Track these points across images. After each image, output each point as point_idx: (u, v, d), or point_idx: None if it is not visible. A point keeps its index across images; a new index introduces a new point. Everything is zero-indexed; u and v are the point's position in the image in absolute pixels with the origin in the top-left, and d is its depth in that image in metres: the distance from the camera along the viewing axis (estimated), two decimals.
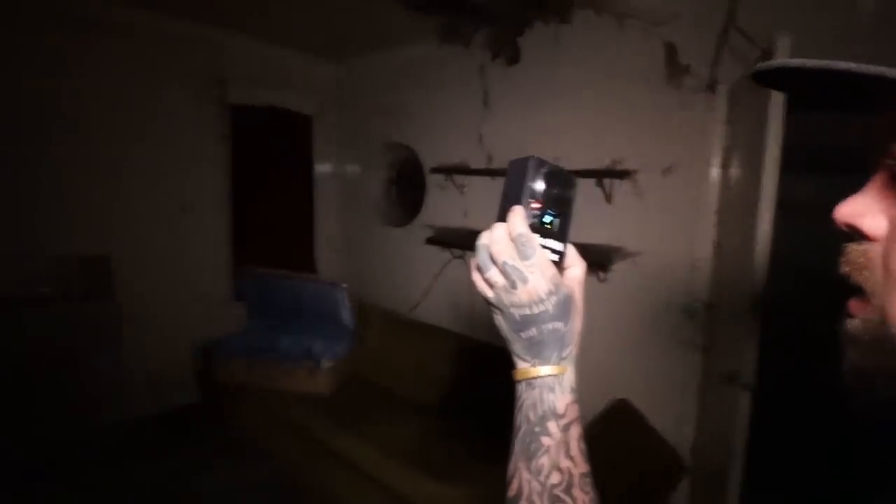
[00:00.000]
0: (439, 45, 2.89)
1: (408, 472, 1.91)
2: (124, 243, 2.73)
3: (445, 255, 2.96)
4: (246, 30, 3.02)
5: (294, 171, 3.55)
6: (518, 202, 0.49)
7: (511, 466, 0.50)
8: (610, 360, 2.26)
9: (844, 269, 0.33)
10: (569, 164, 2.38)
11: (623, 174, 2.16)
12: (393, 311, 3.05)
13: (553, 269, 0.49)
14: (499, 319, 0.53)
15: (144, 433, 2.75)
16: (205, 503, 2.31)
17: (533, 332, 0.50)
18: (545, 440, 0.48)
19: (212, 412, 2.91)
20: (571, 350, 0.52)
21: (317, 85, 3.58)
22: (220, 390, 2.80)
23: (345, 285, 2.69)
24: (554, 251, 0.51)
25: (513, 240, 0.49)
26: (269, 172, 3.38)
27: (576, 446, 0.49)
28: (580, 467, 0.49)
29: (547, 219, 0.50)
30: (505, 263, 0.48)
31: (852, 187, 0.33)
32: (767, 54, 1.51)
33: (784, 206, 1.48)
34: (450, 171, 2.88)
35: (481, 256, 0.51)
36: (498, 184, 2.63)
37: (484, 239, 0.51)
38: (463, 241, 2.83)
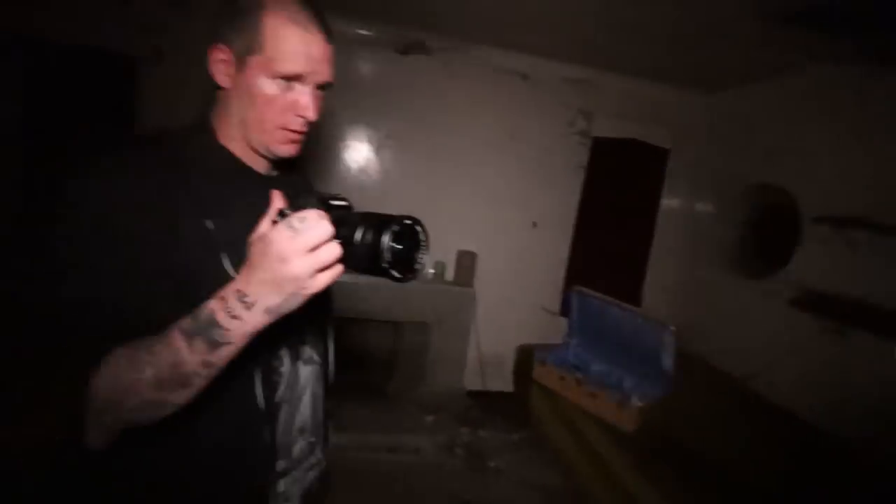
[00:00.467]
0: (858, 69, 2.35)
1: None
2: (487, 245, 3.34)
3: (815, 324, 2.39)
4: (616, 68, 3.22)
5: (640, 203, 3.56)
6: None
7: None
8: None
9: None
10: None
11: None
12: (724, 370, 2.68)
13: None
14: None
15: (468, 403, 3.31)
16: (499, 483, 2.62)
17: None
18: None
19: (520, 406, 3.25)
20: None
21: (679, 118, 3.49)
22: (530, 389, 3.09)
23: (672, 328, 2.52)
24: None
25: None
26: (616, 201, 3.49)
27: None
28: None
29: None
30: None
31: None
32: None
33: None
34: (845, 223, 2.31)
35: None
36: None
37: None
38: (850, 313, 2.23)
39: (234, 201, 0.71)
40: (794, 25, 2.04)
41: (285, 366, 0.80)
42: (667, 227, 3.58)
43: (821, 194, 2.51)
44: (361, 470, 2.43)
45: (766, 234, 3.06)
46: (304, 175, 0.97)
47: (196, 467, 0.71)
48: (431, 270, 3.25)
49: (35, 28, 2.59)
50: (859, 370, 2.19)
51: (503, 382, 3.47)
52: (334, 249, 0.55)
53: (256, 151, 0.77)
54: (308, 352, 0.86)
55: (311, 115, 0.73)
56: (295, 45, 0.70)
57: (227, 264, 0.67)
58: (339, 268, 0.57)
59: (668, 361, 2.57)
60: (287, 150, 0.76)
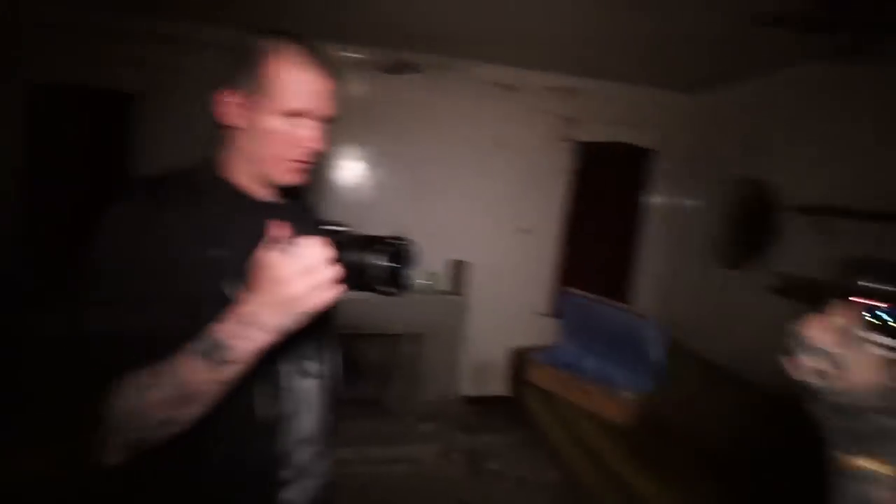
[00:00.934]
0: (829, 65, 2.43)
1: None
2: (478, 253, 3.39)
3: (797, 309, 2.43)
4: (598, 74, 3.31)
5: (626, 203, 3.63)
6: (845, 296, 0.51)
7: None
8: None
9: None
10: None
11: None
12: (709, 358, 2.72)
13: (882, 362, 0.48)
14: (814, 406, 0.55)
15: (465, 409, 3.33)
16: (499, 486, 2.63)
17: (856, 423, 0.50)
18: None
19: (517, 409, 3.27)
20: None
21: (663, 119, 3.57)
22: (526, 391, 3.12)
23: (656, 321, 2.58)
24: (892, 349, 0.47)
25: (835, 329, 0.51)
26: (602, 202, 3.56)
27: None
28: None
29: (887, 318, 0.48)
30: (819, 348, 0.52)
31: None
32: None
33: None
34: (820, 211, 2.37)
35: (801, 344, 0.54)
36: (891, 231, 2.02)
37: (805, 327, 0.55)
38: (827, 298, 2.27)
39: (237, 230, 0.77)
40: (770, 26, 2.12)
41: (286, 379, 0.84)
42: (654, 225, 3.64)
43: (798, 185, 2.57)
44: (362, 483, 2.45)
45: (749, 226, 3.12)
46: (305, 201, 1.02)
47: (203, 477, 0.77)
48: (425, 282, 3.29)
49: (31, 68, 2.70)
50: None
51: (498, 386, 3.49)
52: (330, 270, 0.61)
53: (265, 184, 0.84)
54: (310, 366, 0.90)
55: (318, 145, 0.81)
56: (297, 85, 0.77)
57: (229, 290, 0.72)
58: (338, 287, 0.62)
59: (654, 353, 2.62)
60: (293, 178, 0.83)
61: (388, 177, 3.25)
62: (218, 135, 0.84)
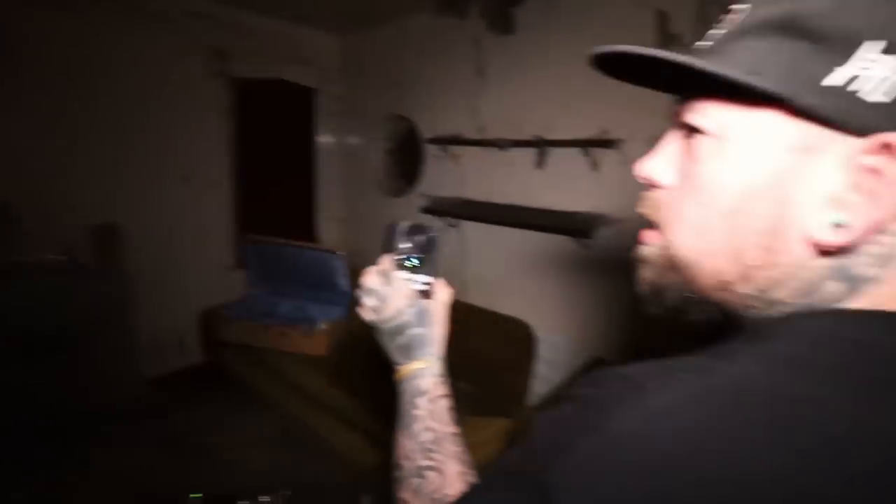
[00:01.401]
0: (435, 17, 2.91)
1: (389, 422, 2.04)
2: (132, 213, 2.84)
3: (442, 223, 3.04)
4: (249, 4, 3.06)
5: (297, 143, 3.63)
6: (388, 252, 0.69)
7: (396, 443, 0.63)
8: (594, 321, 2.35)
9: (641, 210, 0.43)
10: (558, 133, 2.44)
11: (609, 143, 2.20)
12: None
13: (410, 291, 0.66)
14: (379, 338, 0.70)
15: (157, 392, 2.92)
16: (218, 456, 2.48)
17: (401, 338, 0.66)
18: (416, 412, 0.62)
19: (217, 373, 3.07)
20: (434, 348, 0.67)
21: (320, 58, 3.63)
22: (224, 352, 2.94)
23: (341, 253, 2.79)
24: (422, 283, 0.68)
25: (379, 274, 0.68)
26: (273, 144, 3.46)
27: (443, 413, 0.63)
28: (448, 428, 0.62)
29: (411, 262, 0.68)
30: (371, 289, 0.67)
31: None
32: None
33: None
34: (445, 141, 2.94)
35: (361, 290, 0.70)
36: (491, 154, 2.71)
37: (365, 282, 0.69)
38: (458, 210, 2.91)
39: None
40: None
41: None
42: (327, 163, 3.79)
43: (430, 120, 3.10)
44: None
45: (404, 159, 3.62)
46: None
47: None
48: (62, 257, 2.57)
49: None
50: (472, 251, 2.94)
51: (191, 357, 3.17)
52: None
53: None
54: None
55: None
56: None
57: None
58: None
59: (343, 283, 2.85)
60: None
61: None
62: None
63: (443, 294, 0.72)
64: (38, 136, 2.52)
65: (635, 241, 0.46)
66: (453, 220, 2.99)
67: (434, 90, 3.07)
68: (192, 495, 1.19)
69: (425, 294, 0.68)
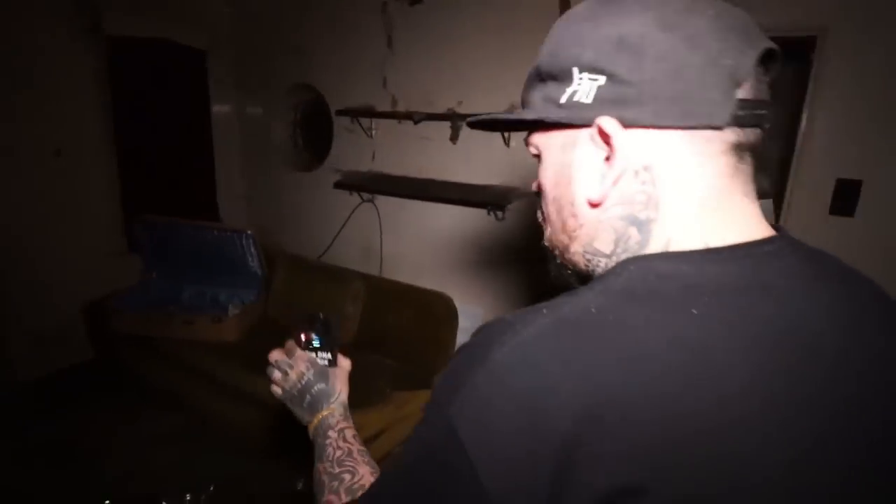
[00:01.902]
0: None
1: None
2: None
3: (354, 199, 2.96)
4: None
5: (189, 112, 3.29)
6: (296, 336, 0.81)
7: (314, 479, 0.71)
8: (510, 289, 2.46)
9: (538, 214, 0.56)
10: (470, 108, 2.46)
11: None
12: (301, 256, 3.04)
13: (310, 359, 0.79)
14: (291, 408, 0.79)
15: (39, 395, 2.59)
16: (112, 459, 2.27)
17: (307, 398, 0.76)
18: (326, 441, 0.72)
19: (110, 369, 2.78)
20: (335, 397, 0.78)
21: (209, 17, 3.28)
22: (116, 346, 2.67)
23: (251, 232, 2.62)
24: (325, 359, 0.81)
25: (284, 352, 0.81)
26: (161, 114, 3.10)
27: (350, 436, 0.73)
28: (356, 445, 0.72)
29: (315, 343, 0.81)
30: (278, 362, 0.79)
31: None
32: None
33: None
34: (356, 113, 2.84)
35: (269, 367, 0.80)
36: (405, 127, 2.67)
37: (272, 357, 0.80)
38: (372, 185, 2.85)
39: None
40: None
41: None
42: (224, 135, 3.49)
43: (339, 90, 2.96)
44: None
45: (311, 130, 3.44)
46: None
47: None
48: None
49: None
50: (388, 225, 2.91)
51: (76, 354, 2.83)
52: None
53: None
54: None
55: None
56: None
57: None
58: None
59: (254, 264, 2.70)
60: None
61: None
62: None
63: (344, 363, 0.84)
64: None
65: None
66: (367, 195, 2.93)
67: (342, 59, 2.93)
68: (105, 502, 1.08)
69: (331, 365, 0.81)
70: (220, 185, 3.50)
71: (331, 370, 0.80)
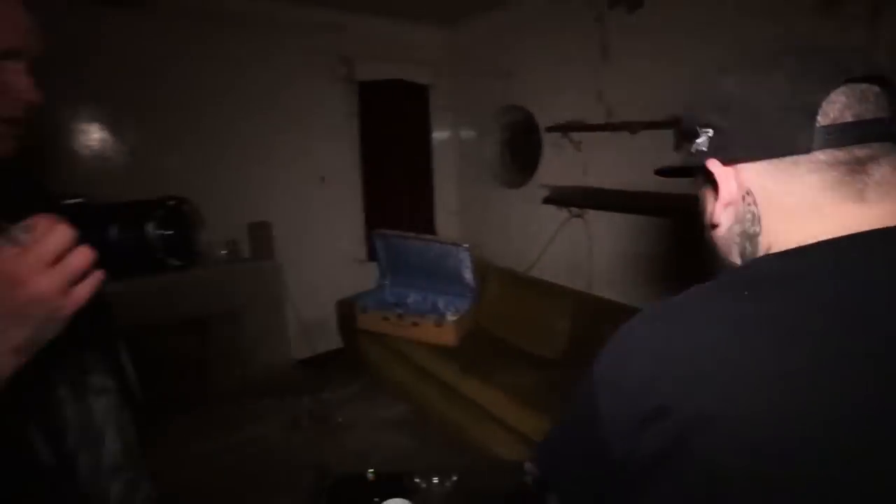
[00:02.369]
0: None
1: (529, 413, 2.06)
2: (279, 211, 3.17)
3: (563, 213, 2.97)
4: (365, 8, 3.22)
5: (415, 140, 3.77)
6: None
7: None
8: None
9: None
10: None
11: None
12: (510, 269, 3.17)
13: None
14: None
15: (301, 372, 3.26)
16: (353, 434, 2.71)
17: None
18: None
19: (353, 357, 3.34)
20: None
21: (431, 53, 3.72)
22: (359, 339, 3.19)
23: (466, 246, 2.86)
24: None
25: None
26: (394, 142, 3.63)
27: None
28: None
29: None
30: None
31: None
32: None
33: None
34: (566, 128, 2.86)
35: None
36: (619, 139, 2.58)
37: None
38: (582, 199, 2.83)
39: None
40: None
41: (69, 406, 0.68)
42: (442, 157, 3.89)
43: (548, 107, 3.03)
44: (214, 479, 2.24)
45: (519, 149, 3.60)
46: (29, 176, 0.77)
47: None
48: (223, 251, 2.96)
49: None
50: (597, 241, 2.84)
51: (332, 341, 3.49)
52: (84, 254, 0.46)
53: None
54: (98, 380, 0.74)
55: (36, 96, 0.60)
56: (5, 14, 0.56)
57: None
58: (97, 274, 0.48)
59: (468, 275, 2.92)
60: (4, 147, 0.60)
61: (146, 137, 2.72)
62: None
63: None
64: (209, 151, 2.90)
65: None
66: (576, 210, 2.91)
67: (550, 76, 2.99)
68: (369, 471, 1.31)
69: None
70: (438, 202, 3.91)
71: None
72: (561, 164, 3.01)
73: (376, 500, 1.15)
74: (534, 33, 3.06)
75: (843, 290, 0.43)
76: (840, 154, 0.47)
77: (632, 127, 2.46)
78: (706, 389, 0.42)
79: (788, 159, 0.49)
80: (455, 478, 1.22)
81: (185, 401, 2.75)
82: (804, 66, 0.48)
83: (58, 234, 0.45)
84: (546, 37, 2.97)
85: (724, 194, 0.53)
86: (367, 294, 3.26)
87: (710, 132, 0.54)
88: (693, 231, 0.64)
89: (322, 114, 3.31)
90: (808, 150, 0.47)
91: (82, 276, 0.47)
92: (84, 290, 0.47)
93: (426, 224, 3.86)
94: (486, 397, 2.31)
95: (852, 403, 0.39)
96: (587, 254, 2.88)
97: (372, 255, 3.47)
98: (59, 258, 0.45)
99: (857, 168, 0.47)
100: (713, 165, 0.53)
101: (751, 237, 0.53)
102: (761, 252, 0.52)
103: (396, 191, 3.69)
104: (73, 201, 0.54)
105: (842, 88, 0.46)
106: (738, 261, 0.55)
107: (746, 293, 0.46)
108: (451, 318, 2.82)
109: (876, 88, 0.47)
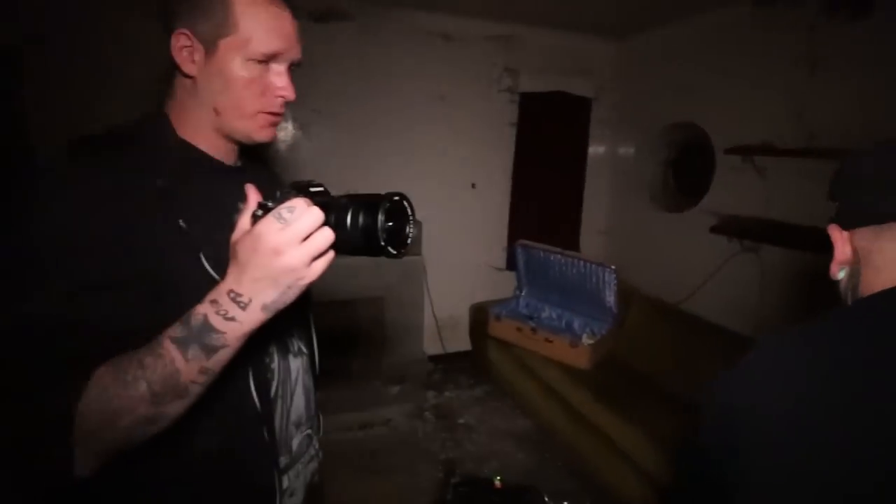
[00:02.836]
0: (754, 8, 2.53)
1: (667, 459, 1.86)
2: (429, 211, 3.33)
3: (733, 245, 2.64)
4: (535, 21, 3.25)
5: (570, 153, 3.68)
6: None
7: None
8: None
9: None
10: None
11: None
12: (659, 298, 2.91)
13: None
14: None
15: (429, 367, 3.38)
16: (472, 438, 2.73)
17: None
18: None
19: (480, 362, 3.37)
20: None
21: (597, 66, 3.61)
22: (488, 345, 3.20)
23: (613, 268, 2.70)
24: None
25: None
26: (547, 153, 3.59)
27: None
28: None
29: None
30: None
31: None
32: None
33: None
34: (751, 151, 2.53)
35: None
36: (819, 166, 2.20)
37: None
38: (760, 232, 2.48)
39: (205, 197, 0.68)
40: None
41: (276, 361, 0.79)
42: (595, 173, 3.74)
43: (728, 127, 2.72)
44: (337, 451, 2.44)
45: (685, 169, 3.30)
46: (268, 165, 0.93)
47: (196, 474, 0.69)
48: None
49: None
50: (772, 281, 2.47)
51: (460, 342, 3.56)
52: (327, 235, 0.54)
53: (230, 140, 0.74)
54: (296, 344, 0.85)
55: (291, 94, 0.72)
56: (270, 23, 0.67)
57: (207, 264, 0.63)
58: (331, 253, 0.56)
59: (611, 299, 2.76)
60: (266, 134, 0.74)
61: (326, 135, 3.06)
62: (169, 86, 0.72)
63: None
64: (377, 151, 3.18)
65: None
66: (750, 243, 2.56)
67: (734, 92, 2.68)
68: (496, 478, 1.30)
69: None
70: (586, 219, 3.77)
71: None
72: (737, 191, 2.68)
73: None
74: (719, 47, 2.78)
75: None
76: None
77: (840, 155, 2.08)
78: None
79: (885, 226, 0.61)
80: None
81: (332, 373, 3.04)
82: None
83: (311, 216, 0.53)
84: (735, 49, 2.68)
85: (838, 255, 0.67)
86: (502, 302, 3.27)
87: (837, 204, 0.67)
88: None
89: (481, 123, 3.42)
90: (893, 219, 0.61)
91: (322, 253, 0.54)
92: (321, 266, 0.55)
93: (570, 240, 3.74)
94: (619, 432, 2.14)
95: None
96: (757, 294, 2.52)
97: (510, 265, 3.47)
98: (308, 236, 0.53)
99: None
100: (833, 231, 0.67)
101: (853, 287, 0.65)
102: (861, 295, 0.64)
103: (544, 203, 3.64)
104: (317, 188, 0.63)
105: None
106: (849, 302, 0.67)
107: (844, 331, 0.60)
108: (587, 340, 2.69)
109: None
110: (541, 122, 3.52)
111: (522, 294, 3.30)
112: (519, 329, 2.90)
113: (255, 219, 0.56)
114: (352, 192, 0.62)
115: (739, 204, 2.65)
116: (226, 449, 0.70)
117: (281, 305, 0.55)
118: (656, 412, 2.21)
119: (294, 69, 0.75)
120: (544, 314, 3.18)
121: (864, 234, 0.63)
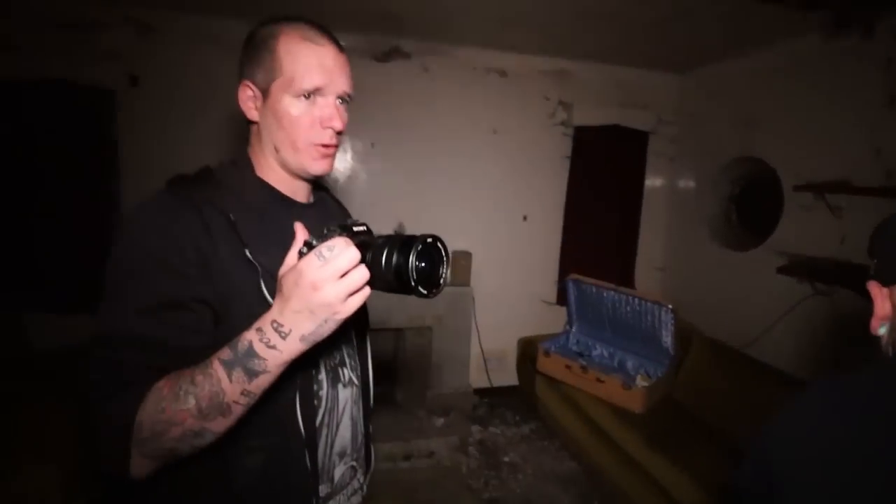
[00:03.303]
0: (823, 39, 2.43)
1: None
2: (480, 243, 3.36)
3: (804, 288, 2.47)
4: (591, 56, 3.27)
5: (626, 187, 3.61)
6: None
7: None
8: None
9: None
10: None
11: None
12: (721, 341, 2.74)
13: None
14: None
15: (475, 400, 3.34)
16: (518, 476, 2.65)
17: None
18: None
19: (528, 398, 3.29)
20: None
21: (656, 100, 3.56)
22: (536, 381, 3.13)
23: (671, 307, 2.58)
24: None
25: None
26: (601, 187, 3.53)
27: None
28: None
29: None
30: None
31: None
32: None
33: None
34: (822, 188, 2.39)
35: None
36: None
37: None
38: (835, 275, 2.31)
39: (273, 232, 0.74)
40: (761, 1, 2.11)
41: (324, 389, 0.82)
42: (652, 208, 3.64)
43: (798, 162, 2.58)
44: (380, 481, 2.44)
45: (749, 206, 3.14)
46: (337, 199, 0.99)
47: (238, 494, 0.72)
48: None
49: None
50: (847, 327, 2.27)
51: (507, 377, 3.50)
52: (363, 273, 0.58)
53: (295, 175, 0.81)
54: (347, 374, 0.88)
55: (338, 124, 0.77)
56: (309, 59, 0.74)
57: (266, 293, 0.69)
58: (367, 290, 0.60)
59: (668, 339, 2.63)
60: (321, 165, 0.79)
61: (382, 168, 3.17)
62: (248, 132, 0.82)
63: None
64: (430, 182, 3.27)
65: None
66: (822, 287, 2.38)
67: (804, 127, 2.55)
68: None
69: None
70: (641, 255, 3.65)
71: None
72: (809, 230, 2.52)
73: None
74: (786, 79, 2.67)
75: None
76: None
77: None
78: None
79: None
80: None
81: (376, 400, 3.07)
82: None
83: (349, 255, 0.58)
84: (804, 82, 2.57)
85: (878, 311, 0.68)
86: (552, 337, 3.19)
87: (875, 261, 0.69)
88: None
89: (534, 155, 3.43)
90: None
91: (358, 289, 0.59)
92: (356, 302, 0.59)
93: (624, 276, 3.63)
94: (674, 481, 2.01)
95: None
96: (829, 340, 2.32)
97: (561, 300, 3.40)
98: (345, 274, 0.57)
99: None
100: (872, 287, 0.69)
101: (894, 342, 0.67)
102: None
103: (597, 238, 3.57)
104: (359, 227, 0.68)
105: None
106: (889, 354, 0.68)
107: (884, 384, 0.62)
108: (641, 382, 2.57)
109: None
110: (595, 155, 3.49)
111: (573, 330, 3.21)
112: (568, 367, 2.82)
113: (301, 255, 0.62)
114: (404, 223, 0.67)
115: (811, 244, 2.49)
116: (269, 470, 0.73)
117: (318, 337, 0.60)
118: (713, 462, 2.06)
119: (349, 103, 0.81)
120: (595, 352, 3.07)
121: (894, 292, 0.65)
